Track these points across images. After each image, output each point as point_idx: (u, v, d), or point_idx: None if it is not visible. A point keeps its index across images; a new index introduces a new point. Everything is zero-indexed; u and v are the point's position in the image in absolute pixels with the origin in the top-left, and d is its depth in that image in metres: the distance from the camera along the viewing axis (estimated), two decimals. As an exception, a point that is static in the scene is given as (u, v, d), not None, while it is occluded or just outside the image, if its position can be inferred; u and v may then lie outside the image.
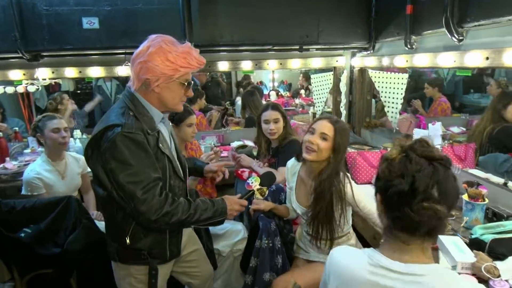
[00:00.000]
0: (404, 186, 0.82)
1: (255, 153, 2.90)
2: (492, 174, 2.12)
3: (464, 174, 1.99)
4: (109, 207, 1.38)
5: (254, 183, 1.59)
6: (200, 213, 1.35)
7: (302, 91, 6.40)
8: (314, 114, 3.95)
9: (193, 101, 3.72)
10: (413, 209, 0.81)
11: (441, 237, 1.41)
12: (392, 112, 2.97)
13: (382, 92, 3.04)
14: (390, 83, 2.94)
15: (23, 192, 2.16)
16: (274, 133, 2.28)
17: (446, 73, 5.19)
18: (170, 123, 1.60)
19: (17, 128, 3.21)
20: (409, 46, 2.18)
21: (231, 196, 1.53)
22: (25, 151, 3.02)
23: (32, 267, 2.04)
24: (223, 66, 3.12)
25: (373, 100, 3.56)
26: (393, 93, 2.94)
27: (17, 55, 2.40)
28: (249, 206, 1.71)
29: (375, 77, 3.06)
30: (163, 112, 1.39)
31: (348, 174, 1.61)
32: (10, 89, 2.86)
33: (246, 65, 3.13)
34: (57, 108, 3.24)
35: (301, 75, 6.81)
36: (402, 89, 2.86)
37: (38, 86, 2.94)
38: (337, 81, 3.24)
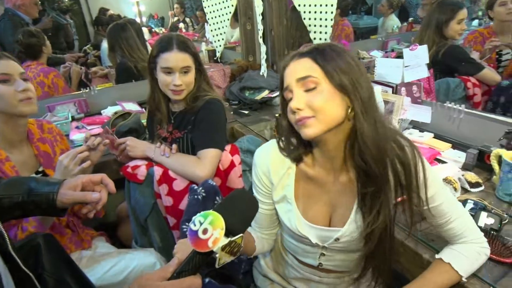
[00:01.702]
0: None
1: (145, 122, 1.88)
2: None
3: (444, 112, 1.45)
4: None
5: (211, 230, 0.60)
6: None
7: (182, 25, 5.21)
8: (211, 52, 2.99)
9: (34, 54, 2.27)
10: None
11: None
12: (321, 39, 2.26)
13: (304, 12, 2.26)
14: (317, -2, 2.18)
15: None
16: (180, 92, 1.32)
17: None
18: None
19: None
20: None
21: (154, 275, 0.63)
22: None
23: None
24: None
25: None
26: (321, 12, 2.20)
27: None
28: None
29: (293, -9, 2.25)
30: None
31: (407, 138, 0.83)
32: None
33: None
34: None
35: (176, 4, 5.51)
36: (332, 5, 2.14)
37: None
38: (244, 1, 2.30)
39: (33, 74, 2.23)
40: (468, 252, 0.82)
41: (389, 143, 0.78)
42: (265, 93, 2.15)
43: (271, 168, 0.92)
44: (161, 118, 1.46)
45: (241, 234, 0.63)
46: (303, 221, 0.90)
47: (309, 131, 0.77)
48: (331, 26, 2.19)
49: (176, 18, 5.46)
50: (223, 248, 0.60)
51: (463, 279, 0.81)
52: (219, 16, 2.58)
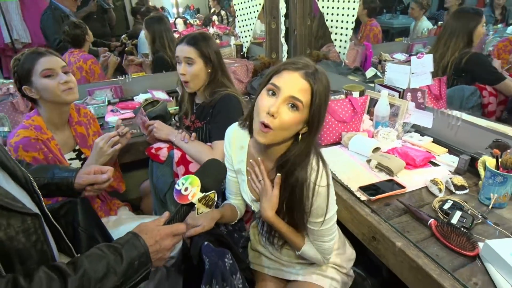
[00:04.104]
0: None
1: (171, 109, 2.09)
2: (457, 110, 1.72)
3: (444, 118, 1.53)
4: None
5: (190, 188, 0.84)
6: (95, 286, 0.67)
7: (215, 18, 5.38)
8: (238, 46, 3.14)
9: (78, 43, 2.53)
10: None
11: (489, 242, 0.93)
12: (341, 41, 2.36)
13: (327, 14, 2.36)
14: (339, 1, 2.27)
15: None
16: (186, 83, 1.50)
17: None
18: None
19: None
20: None
21: (153, 224, 0.84)
22: None
23: None
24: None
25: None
26: (342, 15, 2.29)
27: None
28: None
29: (318, -7, 2.35)
30: None
31: (325, 161, 0.99)
32: None
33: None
34: None
35: (211, -1, 5.67)
36: (354, 9, 2.23)
37: None
38: (270, 1, 2.43)
39: (74, 59, 2.50)
40: (318, 257, 1.09)
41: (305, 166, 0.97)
42: (283, 90, 2.29)
43: (231, 139, 1.15)
44: (187, 108, 1.64)
45: (213, 191, 0.86)
46: (248, 192, 1.13)
47: (262, 139, 0.93)
48: (352, 29, 2.28)
49: (212, 10, 5.63)
50: (199, 200, 0.84)
51: (297, 252, 1.09)
52: (247, 14, 2.73)
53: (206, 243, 0.95)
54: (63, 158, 1.40)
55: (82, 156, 1.50)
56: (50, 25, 2.99)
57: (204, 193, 0.85)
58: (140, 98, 2.27)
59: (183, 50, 1.46)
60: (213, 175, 0.90)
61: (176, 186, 0.85)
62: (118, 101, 2.28)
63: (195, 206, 0.85)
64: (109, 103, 2.23)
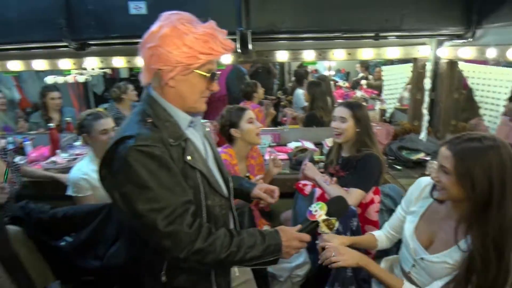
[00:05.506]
0: None
1: (316, 158, 2.53)
2: None
3: None
4: (136, 237, 1.13)
5: (319, 211, 1.16)
6: (245, 251, 1.06)
7: (363, 82, 5.78)
8: (382, 111, 3.44)
9: (249, 96, 3.40)
10: None
11: None
12: (491, 116, 2.39)
13: (478, 90, 2.46)
14: (490, 79, 2.36)
15: (69, 192, 2.02)
16: (338, 135, 1.90)
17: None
18: (206, 127, 1.31)
19: (69, 119, 3.14)
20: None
21: (289, 228, 1.18)
22: (76, 143, 2.93)
23: (74, 276, 1.92)
24: (281, 56, 2.74)
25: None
26: (494, 91, 2.35)
27: (64, 44, 2.23)
28: (315, 241, 1.35)
29: (469, 71, 2.49)
30: (191, 114, 1.11)
31: None
32: (60, 79, 2.76)
33: (308, 55, 2.72)
34: (120, 97, 3.29)
35: (358, 65, 6.10)
36: (507, 87, 2.27)
37: (87, 76, 2.81)
38: (417, 75, 2.70)
39: (246, 107, 3.34)
40: None
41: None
42: (421, 155, 2.45)
43: (420, 190, 1.37)
44: (332, 159, 2.04)
45: (335, 217, 1.17)
46: (412, 234, 1.31)
47: (439, 195, 1.21)
48: (504, 106, 2.31)
49: (360, 75, 6.07)
50: (323, 221, 1.17)
51: None
52: (394, 84, 3.04)
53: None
54: (239, 181, 1.99)
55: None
56: (233, 81, 4.08)
57: (328, 217, 1.17)
58: (292, 145, 2.82)
59: (340, 111, 1.90)
60: (338, 208, 1.22)
61: (309, 208, 1.21)
62: (275, 145, 2.89)
63: (320, 224, 1.17)
64: (269, 146, 2.85)
